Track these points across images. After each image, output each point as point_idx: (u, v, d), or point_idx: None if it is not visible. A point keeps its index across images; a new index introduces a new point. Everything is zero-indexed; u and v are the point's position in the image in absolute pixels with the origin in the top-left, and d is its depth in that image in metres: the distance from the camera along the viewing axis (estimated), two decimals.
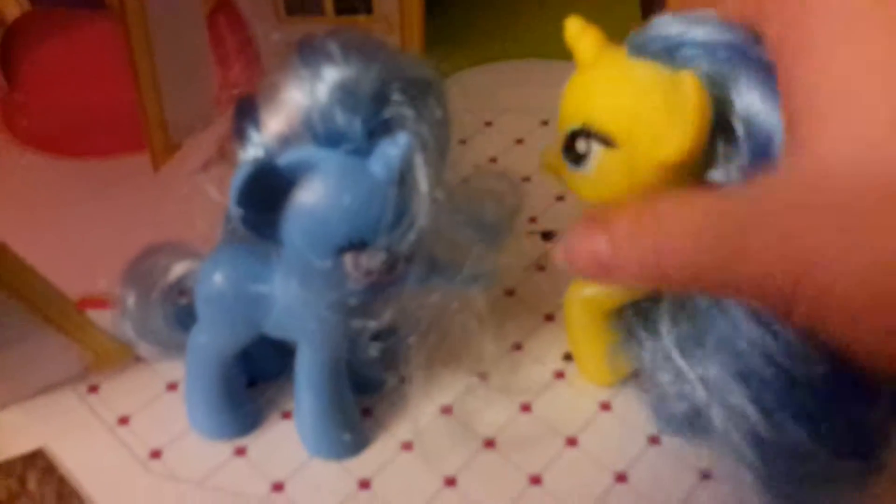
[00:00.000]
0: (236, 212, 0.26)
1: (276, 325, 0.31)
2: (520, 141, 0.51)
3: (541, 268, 0.43)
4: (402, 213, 0.27)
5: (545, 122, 0.52)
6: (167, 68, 0.44)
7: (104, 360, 0.38)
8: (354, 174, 0.27)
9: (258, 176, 0.25)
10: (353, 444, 0.35)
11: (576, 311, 0.36)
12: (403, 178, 0.26)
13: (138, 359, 0.38)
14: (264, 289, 0.30)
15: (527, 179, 0.46)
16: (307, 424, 0.34)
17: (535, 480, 0.34)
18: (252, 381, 0.37)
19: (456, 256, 0.31)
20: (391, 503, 0.33)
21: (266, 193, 0.26)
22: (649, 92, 0.27)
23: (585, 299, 0.35)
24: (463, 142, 0.50)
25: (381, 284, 0.28)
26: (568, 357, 0.39)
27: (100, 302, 0.40)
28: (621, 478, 0.34)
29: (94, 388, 0.38)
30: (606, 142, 0.28)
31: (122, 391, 0.37)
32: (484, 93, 0.55)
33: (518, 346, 0.40)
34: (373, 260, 0.27)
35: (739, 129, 0.26)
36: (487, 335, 0.34)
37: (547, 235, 0.39)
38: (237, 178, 0.25)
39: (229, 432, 0.35)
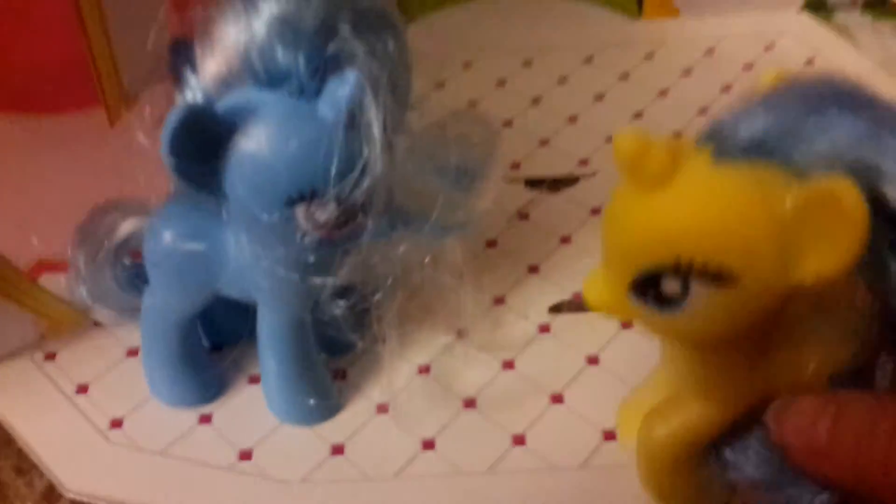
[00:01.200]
0: (168, 161, 0.23)
1: (231, 285, 0.29)
2: (501, 83, 0.48)
3: (524, 216, 0.41)
4: (354, 159, 0.24)
5: (528, 63, 0.49)
6: (117, 14, 0.41)
7: (60, 326, 0.36)
8: (299, 117, 0.24)
9: (190, 121, 0.23)
10: (324, 408, 0.33)
11: (657, 454, 0.27)
12: (354, 121, 0.24)
13: (96, 324, 0.36)
14: (215, 246, 0.28)
15: (508, 124, 0.43)
16: (273, 389, 0.32)
17: (519, 440, 0.32)
18: (215, 344, 0.35)
19: (426, 206, 0.28)
20: (366, 469, 0.31)
21: (200, 141, 0.24)
22: (775, 204, 0.20)
23: (667, 440, 0.26)
24: (440, 85, 0.47)
25: (338, 238, 0.26)
26: (554, 310, 0.37)
27: (56, 265, 0.38)
28: (610, 435, 0.32)
29: (51, 356, 0.36)
30: (719, 280, 0.20)
31: (80, 358, 0.35)
32: (462, 32, 0.52)
33: (500, 300, 0.38)
34: (325, 212, 0.25)
35: None
36: (466, 290, 0.32)
37: (530, 183, 0.36)
38: (167, 124, 0.23)
39: (192, 400, 0.33)
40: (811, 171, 0.20)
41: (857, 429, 0.21)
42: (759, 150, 0.20)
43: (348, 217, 0.25)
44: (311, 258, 0.26)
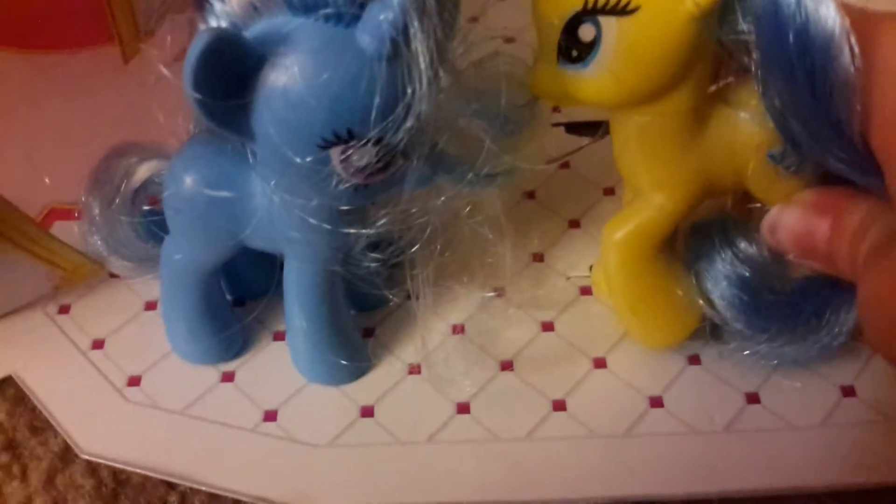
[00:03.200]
0: (192, 96, 0.21)
1: (257, 235, 0.27)
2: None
3: (564, 165, 0.38)
4: (397, 96, 0.22)
5: None
6: None
7: (74, 277, 0.34)
8: (336, 47, 0.21)
9: (216, 50, 0.20)
10: (353, 368, 0.31)
11: (614, 261, 0.29)
12: (398, 51, 0.21)
13: (112, 275, 0.34)
14: (241, 192, 0.26)
15: None
16: (300, 347, 0.30)
17: (559, 406, 0.30)
18: (239, 299, 0.33)
19: (466, 152, 0.26)
20: (397, 433, 0.30)
21: (227, 72, 0.21)
22: None
23: (624, 240, 0.29)
24: (474, 19, 0.44)
25: (375, 185, 0.24)
26: None
27: (69, 213, 0.36)
28: (656, 402, 0.31)
29: (65, 309, 0.34)
30: (622, 9, 0.24)
31: (95, 312, 0.34)
32: None
33: (539, 257, 0.35)
34: (363, 155, 0.22)
35: None
36: (505, 245, 0.29)
37: (573, 128, 0.33)
38: (191, 53, 0.20)
39: (214, 357, 0.31)
40: None
41: (853, 232, 0.24)
42: None
43: (388, 162, 0.23)
44: (346, 206, 0.24)
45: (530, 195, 0.37)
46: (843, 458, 0.29)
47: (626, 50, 0.24)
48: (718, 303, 0.29)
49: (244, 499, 0.28)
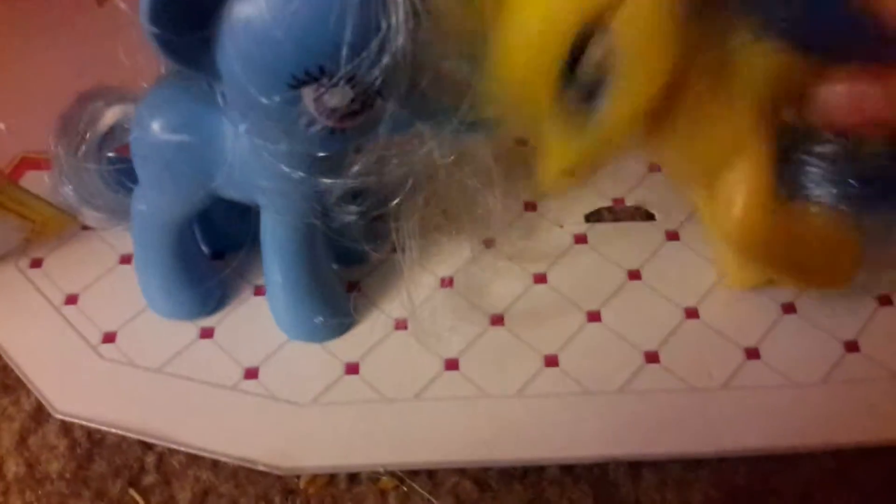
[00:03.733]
0: (149, 30, 0.19)
1: (229, 184, 0.25)
2: None
3: None
4: (371, 29, 0.20)
5: None
6: None
7: (45, 229, 0.32)
8: None
9: None
10: (336, 325, 0.30)
11: (758, 232, 0.28)
12: None
13: (85, 228, 0.33)
14: (210, 138, 0.24)
15: None
16: (279, 303, 0.29)
17: (551, 361, 0.29)
18: (216, 252, 0.32)
19: (449, 96, 0.24)
20: (383, 390, 0.29)
21: (186, 4, 0.19)
22: None
23: (746, 212, 0.27)
24: None
25: (351, 129, 0.22)
26: (592, 218, 0.33)
27: (41, 163, 0.34)
28: (652, 357, 0.29)
29: (37, 262, 0.32)
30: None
31: (68, 265, 0.32)
32: None
33: (531, 206, 0.34)
34: (337, 96, 0.21)
35: None
36: (494, 195, 0.28)
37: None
38: None
39: (190, 312, 0.30)
40: None
41: None
42: None
43: (364, 103, 0.21)
44: (320, 152, 0.23)
45: (522, 142, 0.35)
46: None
47: (637, 38, 0.22)
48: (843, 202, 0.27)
49: (224, 459, 0.27)
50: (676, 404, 0.28)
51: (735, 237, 0.27)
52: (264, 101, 0.21)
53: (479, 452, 0.27)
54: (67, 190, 0.30)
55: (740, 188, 0.27)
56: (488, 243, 0.32)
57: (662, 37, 0.23)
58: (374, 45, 0.20)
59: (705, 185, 0.28)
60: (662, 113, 0.24)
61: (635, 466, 0.27)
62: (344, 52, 0.20)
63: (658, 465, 0.27)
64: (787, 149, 0.28)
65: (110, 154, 0.29)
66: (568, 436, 0.28)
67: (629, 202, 0.34)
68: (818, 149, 0.27)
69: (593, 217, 0.34)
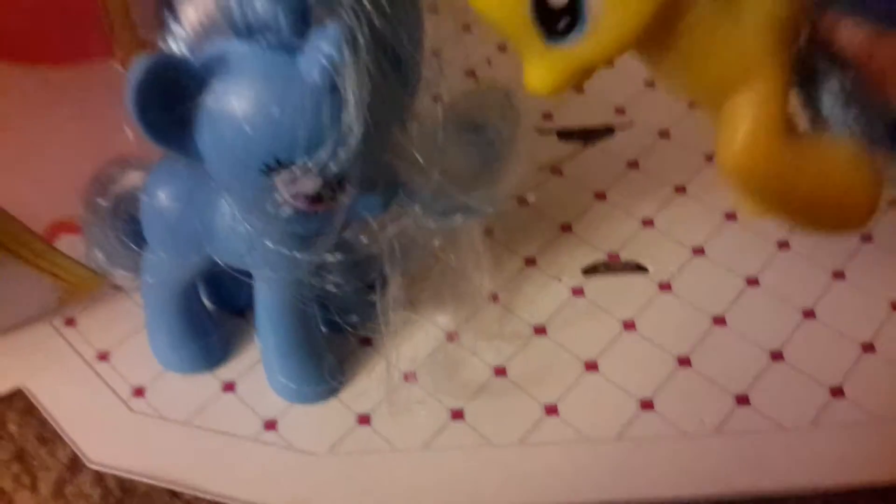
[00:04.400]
0: (135, 119, 0.22)
1: (224, 250, 0.27)
2: (503, 47, 0.42)
3: (556, 171, 0.39)
4: (333, 125, 0.22)
5: None
6: None
7: (78, 290, 0.34)
8: (277, 75, 0.22)
9: (155, 74, 0.21)
10: (322, 390, 0.32)
11: (760, 167, 0.26)
12: (335, 82, 0.21)
13: (116, 287, 0.35)
14: (205, 208, 0.26)
15: None
16: (273, 365, 0.31)
17: (552, 410, 0.31)
18: (241, 310, 0.34)
19: (443, 182, 0.26)
20: (393, 440, 0.30)
21: (168, 96, 0.22)
22: None
23: (746, 150, 0.25)
24: (467, 27, 0.45)
25: (320, 212, 0.24)
26: (588, 271, 0.35)
27: (73, 227, 0.37)
28: (647, 404, 0.31)
29: (71, 322, 0.35)
30: None
31: (101, 324, 0.34)
32: None
33: (531, 261, 0.36)
34: (308, 183, 0.23)
35: None
36: (481, 273, 0.30)
37: (563, 134, 0.34)
38: (132, 78, 0.21)
39: (195, 366, 0.32)
40: None
41: None
42: None
43: (334, 189, 0.23)
44: (297, 232, 0.25)
45: (522, 201, 0.37)
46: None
47: (614, 15, 0.22)
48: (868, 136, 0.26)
49: None
50: (671, 450, 0.30)
51: (734, 169, 0.25)
52: (238, 185, 0.23)
53: (485, 499, 0.29)
54: (97, 251, 0.33)
55: (745, 115, 0.25)
56: (495, 297, 0.34)
57: None
58: (337, 138, 0.22)
59: (711, 107, 0.26)
60: (657, 33, 0.23)
61: None
62: (309, 144, 0.22)
63: None
64: (815, 73, 0.26)
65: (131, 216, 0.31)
66: (568, 482, 0.29)
67: (624, 256, 0.36)
68: (848, 80, 0.25)
69: (590, 271, 0.35)
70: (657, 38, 0.23)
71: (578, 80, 0.24)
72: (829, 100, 0.25)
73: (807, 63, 0.26)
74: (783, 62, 0.24)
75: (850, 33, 0.23)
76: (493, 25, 0.23)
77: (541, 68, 0.23)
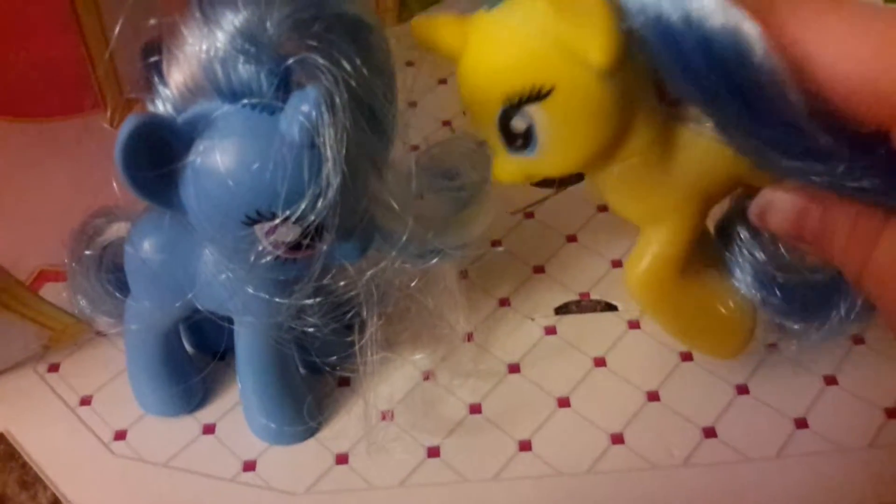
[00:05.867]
0: (122, 175, 0.23)
1: (205, 297, 0.28)
2: None
3: (529, 215, 0.40)
4: (312, 180, 0.23)
5: None
6: (116, 15, 0.40)
7: (62, 336, 0.35)
8: (258, 133, 0.23)
9: (142, 134, 0.22)
10: (302, 430, 0.32)
11: (645, 299, 0.30)
12: (314, 140, 0.22)
13: (99, 333, 0.36)
14: (186, 258, 0.27)
15: None
16: (252, 406, 0.32)
17: (525, 446, 0.32)
18: (221, 353, 0.35)
19: (417, 227, 0.27)
20: (371, 478, 0.31)
21: (154, 154, 0.23)
22: (543, 18, 0.24)
23: (645, 277, 0.29)
24: (443, 81, 0.47)
25: (300, 259, 0.25)
26: (560, 311, 0.36)
27: (57, 275, 0.37)
28: (617, 439, 0.32)
29: (54, 367, 0.35)
30: (538, 95, 0.25)
31: (83, 369, 0.35)
32: None
33: (505, 302, 0.37)
34: (287, 233, 0.24)
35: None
36: (457, 314, 0.31)
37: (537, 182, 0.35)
38: (120, 137, 0.22)
39: (174, 409, 0.33)
40: None
41: (842, 226, 0.23)
42: None
43: (313, 238, 0.24)
44: (277, 278, 0.26)
45: (496, 243, 0.39)
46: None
47: (561, 126, 0.25)
48: (757, 300, 0.29)
49: None
50: (641, 482, 0.31)
51: (632, 290, 0.29)
52: (220, 235, 0.24)
53: None
54: (80, 299, 0.33)
55: (650, 250, 0.29)
56: (470, 337, 0.35)
57: (583, 127, 0.26)
58: (316, 192, 0.23)
59: (638, 225, 0.30)
60: (597, 165, 0.27)
61: None
62: (289, 197, 0.23)
63: None
64: (728, 224, 0.30)
65: (115, 265, 0.32)
66: None
67: (594, 295, 0.37)
68: (752, 240, 0.29)
69: (562, 310, 0.37)
70: (598, 167, 0.27)
71: (528, 181, 0.29)
72: (737, 256, 0.29)
73: (727, 222, 0.30)
74: (699, 213, 0.28)
75: (780, 217, 0.24)
76: (474, 128, 0.28)
77: (505, 164, 0.28)
